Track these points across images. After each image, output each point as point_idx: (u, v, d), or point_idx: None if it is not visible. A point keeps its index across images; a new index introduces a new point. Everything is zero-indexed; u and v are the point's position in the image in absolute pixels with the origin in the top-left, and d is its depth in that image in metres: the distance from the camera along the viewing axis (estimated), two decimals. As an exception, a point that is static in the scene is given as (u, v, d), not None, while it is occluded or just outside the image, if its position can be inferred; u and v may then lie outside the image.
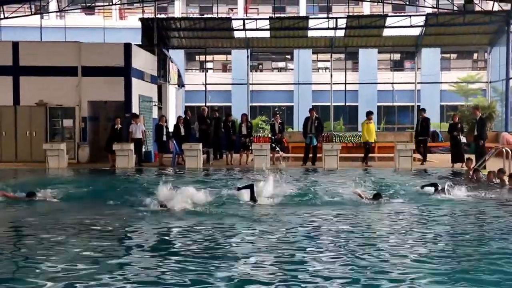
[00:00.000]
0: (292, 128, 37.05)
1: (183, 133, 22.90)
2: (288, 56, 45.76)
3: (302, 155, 22.66)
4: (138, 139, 21.87)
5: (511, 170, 15.41)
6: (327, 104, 34.96)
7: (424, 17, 31.42)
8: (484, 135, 20.78)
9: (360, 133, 31.24)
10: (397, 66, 45.18)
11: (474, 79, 39.70)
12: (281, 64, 47.60)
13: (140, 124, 22.27)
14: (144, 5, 33.47)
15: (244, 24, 31.37)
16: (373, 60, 43.10)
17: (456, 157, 21.19)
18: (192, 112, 28.28)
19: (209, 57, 42.67)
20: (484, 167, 17.59)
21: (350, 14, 32.90)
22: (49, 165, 20.84)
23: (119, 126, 21.87)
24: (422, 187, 13.92)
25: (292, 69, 44.32)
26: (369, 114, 22.98)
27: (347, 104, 35.54)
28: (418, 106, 35.70)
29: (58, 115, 23.55)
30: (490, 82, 34.28)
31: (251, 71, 37.18)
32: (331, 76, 33.84)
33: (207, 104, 30.91)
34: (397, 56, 45.63)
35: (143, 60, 25.54)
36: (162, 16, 37.94)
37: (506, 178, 14.56)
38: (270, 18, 31.72)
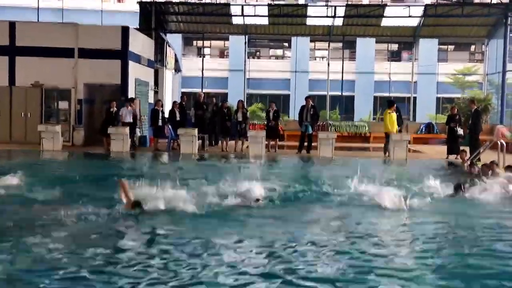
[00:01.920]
0: (288, 117, 37.03)
1: (178, 118, 22.85)
2: (286, 44, 45.59)
3: (298, 143, 22.67)
4: (127, 123, 21.70)
5: (506, 163, 15.42)
6: (324, 93, 34.97)
7: (422, 8, 31.37)
8: (478, 127, 20.83)
9: (357, 123, 31.58)
10: (395, 56, 45.11)
11: (470, 71, 39.74)
12: (279, 52, 47.45)
13: (131, 108, 22.03)
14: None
15: (242, 10, 31.17)
16: (371, 50, 42.99)
17: (451, 149, 21.24)
18: (188, 97, 28.24)
19: (206, 43, 42.55)
20: (479, 160, 17.65)
21: (349, 3, 32.72)
22: (44, 147, 20.80)
23: (115, 109, 21.81)
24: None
25: (289, 57, 44.21)
26: (390, 103, 22.27)
27: (343, 94, 35.54)
28: (414, 97, 35.89)
29: (54, 96, 23.51)
30: (487, 74, 34.31)
31: (248, 57, 37.10)
32: (328, 65, 33.81)
33: (204, 90, 30.90)
34: (394, 47, 45.53)
35: (140, 44, 25.44)
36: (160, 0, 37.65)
37: (499, 170, 14.58)
38: (269, 5, 31.60)
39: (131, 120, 21.81)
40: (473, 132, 20.60)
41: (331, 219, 9.24)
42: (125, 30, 23.80)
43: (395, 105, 22.22)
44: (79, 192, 11.01)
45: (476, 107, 21.71)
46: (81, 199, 9.96)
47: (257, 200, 10.15)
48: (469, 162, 17.11)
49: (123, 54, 23.60)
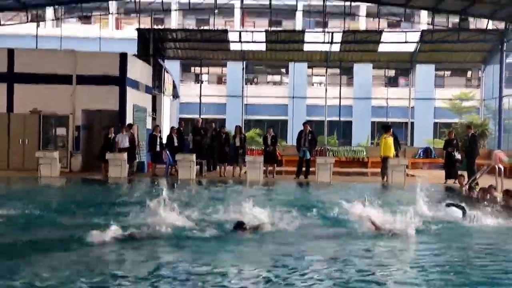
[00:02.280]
0: (286, 142, 37.08)
1: (176, 144, 22.86)
2: (283, 70, 45.84)
3: (296, 168, 22.64)
4: (125, 149, 21.70)
5: (503, 188, 15.41)
6: (321, 118, 35.01)
7: (419, 34, 31.55)
8: (475, 152, 20.96)
9: (355, 148, 31.55)
10: (392, 82, 45.33)
11: (467, 97, 39.90)
12: (276, 78, 47.69)
13: (126, 133, 22.08)
14: (141, 15, 33.51)
15: (240, 36, 31.37)
16: (368, 76, 43.25)
17: (449, 173, 21.27)
18: (186, 123, 28.28)
19: (204, 69, 42.74)
20: (477, 184, 17.64)
21: (346, 29, 32.88)
22: (41, 173, 20.72)
23: (113, 135, 21.82)
24: (448, 205, 12.41)
25: (287, 83, 44.42)
26: (387, 128, 22.52)
27: (341, 119, 35.62)
28: (412, 123, 35.97)
29: (52, 123, 23.57)
30: (484, 100, 34.46)
31: (246, 83, 37.22)
32: (326, 90, 33.93)
33: (202, 116, 30.95)
34: (391, 73, 45.76)
35: (138, 70, 25.56)
36: (159, 27, 37.92)
37: (497, 194, 14.57)
38: (266, 31, 31.80)
39: (128, 145, 21.82)
40: (470, 157, 20.70)
41: (329, 244, 9.13)
42: (123, 57, 23.93)
43: (391, 129, 22.30)
44: (75, 218, 10.96)
45: (473, 132, 21.82)
46: (77, 225, 9.91)
47: (242, 226, 9.70)
48: (467, 186, 17.10)
49: (121, 81, 23.69)
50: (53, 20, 40.51)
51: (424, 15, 33.64)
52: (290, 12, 41.25)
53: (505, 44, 29.62)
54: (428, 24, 31.22)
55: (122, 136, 21.82)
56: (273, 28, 34.40)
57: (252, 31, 32.61)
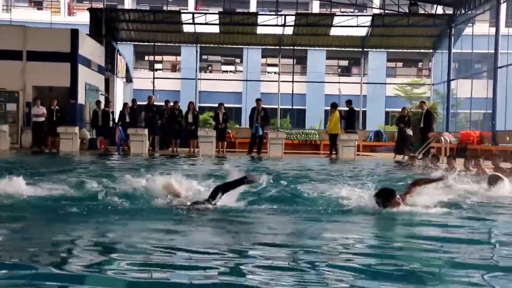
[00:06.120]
0: (240, 125, 37.14)
1: (128, 120, 22.74)
2: (238, 60, 46.01)
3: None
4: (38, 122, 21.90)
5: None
6: (275, 107, 35.11)
7: (370, 18, 31.96)
8: (431, 124, 21.63)
9: (307, 131, 31.77)
10: (345, 72, 45.95)
11: (418, 83, 40.79)
12: (231, 68, 47.88)
13: (41, 106, 22.09)
14: (93, 2, 33.19)
15: (193, 18, 31.26)
16: (321, 65, 43.69)
17: (400, 149, 21.73)
18: (139, 108, 28.00)
19: (158, 57, 42.51)
20: (428, 152, 18.26)
21: (299, 11, 32.92)
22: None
23: (56, 108, 21.75)
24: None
25: (241, 71, 44.55)
26: (332, 105, 23.35)
27: (295, 107, 35.81)
28: (364, 111, 36.37)
29: (2, 99, 23.24)
30: (433, 84, 35.12)
31: (200, 71, 37.07)
32: (279, 74, 34.10)
33: (156, 103, 30.74)
34: (344, 63, 46.42)
35: (90, 49, 25.36)
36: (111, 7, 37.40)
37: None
38: (220, 13, 31.64)
39: (43, 118, 21.92)
40: (427, 129, 21.28)
41: (286, 224, 6.93)
42: (74, 33, 23.75)
43: (337, 106, 22.89)
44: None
45: (427, 107, 22.40)
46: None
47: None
48: (420, 155, 17.75)
49: (72, 57, 23.50)
50: (3, 5, 39.85)
51: (376, 1, 34.07)
52: (244, 1, 41.51)
53: (453, 29, 30.26)
54: (380, 8, 31.68)
55: (37, 110, 21.98)
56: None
57: (205, 13, 32.46)
